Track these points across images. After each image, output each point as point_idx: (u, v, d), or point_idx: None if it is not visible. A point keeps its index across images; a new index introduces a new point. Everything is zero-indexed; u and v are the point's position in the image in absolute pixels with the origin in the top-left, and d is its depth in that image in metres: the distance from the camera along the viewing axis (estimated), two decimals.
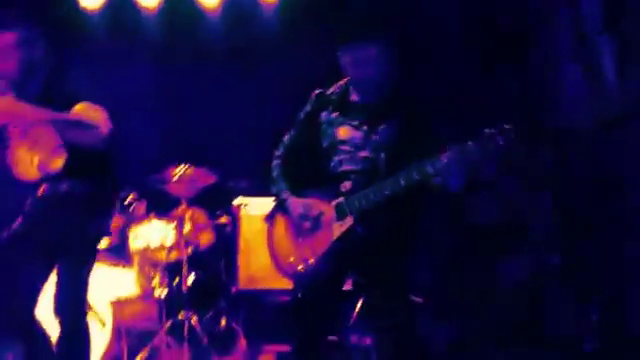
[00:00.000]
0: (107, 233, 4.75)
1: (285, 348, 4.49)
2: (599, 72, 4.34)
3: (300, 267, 2.99)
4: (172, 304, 4.80)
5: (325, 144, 3.06)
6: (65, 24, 5.70)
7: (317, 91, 3.17)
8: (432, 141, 2.89)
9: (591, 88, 4.42)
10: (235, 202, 5.03)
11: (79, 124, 3.13)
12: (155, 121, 5.86)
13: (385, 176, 2.90)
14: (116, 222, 4.95)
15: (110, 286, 4.64)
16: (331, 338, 4.17)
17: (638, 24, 4.09)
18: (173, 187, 4.96)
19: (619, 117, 4.19)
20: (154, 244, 4.86)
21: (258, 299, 4.94)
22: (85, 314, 3.34)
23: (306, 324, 3.02)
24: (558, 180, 4.69)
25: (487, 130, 2.74)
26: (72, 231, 3.24)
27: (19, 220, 3.29)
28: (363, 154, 3.00)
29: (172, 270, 4.95)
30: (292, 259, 3.02)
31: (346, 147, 3.02)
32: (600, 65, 4.35)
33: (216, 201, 5.31)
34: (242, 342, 4.72)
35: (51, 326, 3.24)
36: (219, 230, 5.24)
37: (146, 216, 4.98)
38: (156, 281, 4.86)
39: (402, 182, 2.82)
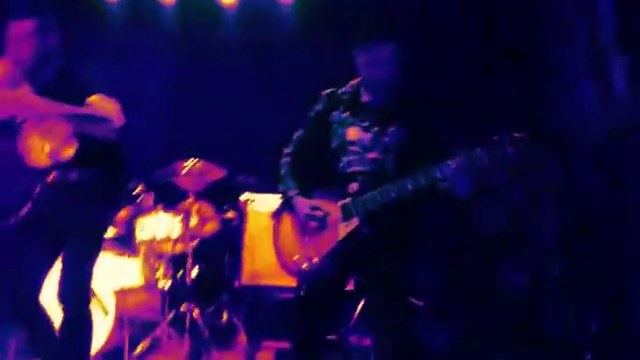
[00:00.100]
0: (114, 223, 4.81)
1: (285, 345, 4.51)
2: (610, 86, 4.34)
3: (304, 265, 3.00)
4: (175, 296, 4.83)
5: (335, 144, 3.06)
6: (83, 14, 5.73)
7: (328, 90, 3.17)
8: (441, 146, 2.91)
9: (601, 101, 4.42)
10: (242, 197, 5.04)
11: (91, 118, 3.16)
12: (166, 114, 5.88)
13: (393, 178, 2.91)
14: (124, 213, 4.98)
15: (115, 275, 4.67)
16: (331, 337, 4.19)
17: None
18: (182, 180, 5.00)
19: (628, 129, 4.19)
20: (160, 236, 4.89)
21: (260, 295, 4.95)
22: (88, 302, 3.36)
23: (307, 322, 3.04)
24: (564, 190, 4.68)
25: (497, 137, 2.75)
26: (79, 219, 3.27)
27: (27, 206, 3.32)
28: (372, 155, 3.01)
29: (177, 262, 4.98)
30: (297, 257, 3.04)
31: (355, 148, 3.02)
32: (611, 79, 4.35)
33: (224, 196, 5.33)
34: (242, 337, 4.74)
35: (55, 312, 3.27)
36: (225, 225, 5.26)
37: (153, 208, 5.01)
38: (160, 272, 4.89)
39: (409, 186, 2.84)
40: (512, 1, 5.22)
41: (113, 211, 3.61)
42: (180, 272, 4.92)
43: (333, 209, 2.99)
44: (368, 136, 3.02)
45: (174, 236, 4.90)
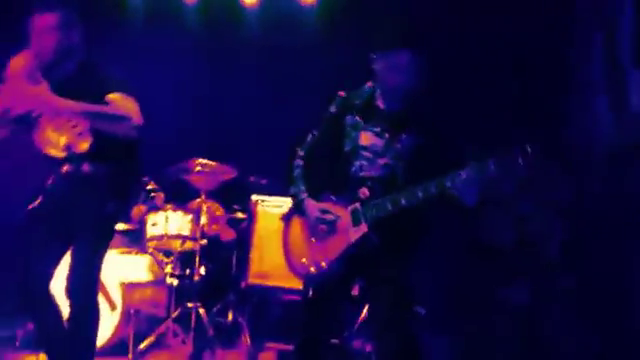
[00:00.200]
0: (125, 218, 4.85)
1: (287, 347, 4.53)
2: (625, 102, 4.34)
3: (312, 269, 3.02)
4: (182, 293, 4.86)
5: (347, 148, 3.07)
6: (106, 10, 5.77)
7: (343, 93, 3.18)
8: (452, 155, 2.92)
9: (616, 117, 4.41)
10: (252, 198, 5.07)
11: (110, 116, 3.19)
12: (182, 112, 5.91)
13: (403, 185, 2.92)
14: (135, 209, 5.02)
15: (123, 270, 4.71)
16: (334, 341, 4.20)
17: None
18: (194, 178, 5.03)
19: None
20: (170, 233, 4.91)
21: (266, 296, 4.97)
22: (96, 295, 3.38)
23: (312, 324, 3.06)
24: (574, 205, 4.68)
25: (508, 150, 2.76)
26: (90, 212, 3.29)
27: (40, 198, 3.36)
28: (383, 161, 3.02)
29: (185, 260, 5.02)
30: (305, 260, 3.05)
31: (367, 153, 3.03)
32: (627, 95, 4.34)
33: (234, 196, 5.36)
34: (246, 337, 4.76)
35: (63, 304, 3.30)
36: (235, 224, 5.29)
37: (165, 205, 5.03)
38: (168, 269, 4.92)
39: (419, 194, 2.85)
40: (529, 15, 5.22)
41: (125, 206, 3.63)
42: (188, 270, 4.95)
43: (343, 213, 3.00)
44: (380, 141, 3.03)
45: (184, 234, 4.93)
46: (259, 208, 4.99)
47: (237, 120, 5.92)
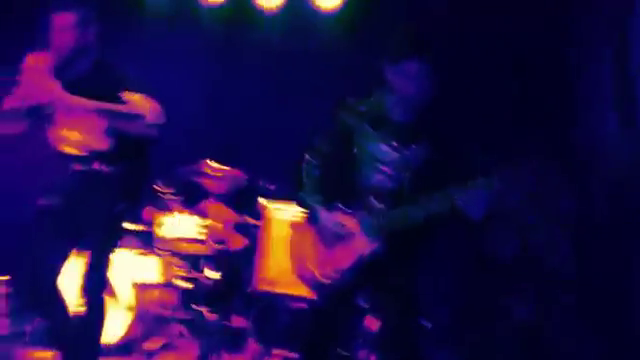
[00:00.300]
0: (135, 218, 4.86)
1: (293, 355, 4.53)
2: (634, 115, 4.30)
3: (322, 278, 3.01)
4: (190, 295, 4.87)
5: (357, 157, 3.06)
6: (125, 9, 5.80)
7: (354, 102, 3.17)
8: (461, 168, 2.92)
9: (624, 130, 4.37)
10: (262, 203, 5.07)
11: (124, 115, 3.20)
12: (195, 114, 5.91)
13: (411, 196, 2.92)
14: (146, 209, 5.03)
15: (133, 270, 4.72)
16: (339, 351, 4.18)
17: None
18: (206, 181, 5.04)
19: None
20: (180, 235, 4.93)
21: (274, 302, 4.95)
22: (103, 294, 3.41)
23: (319, 333, 3.05)
24: (580, 219, 4.65)
25: (516, 164, 2.75)
26: (101, 211, 3.32)
27: (52, 195, 3.38)
28: (392, 171, 3.01)
29: (194, 263, 5.02)
30: (314, 269, 3.04)
31: (376, 162, 3.03)
32: (636, 109, 4.31)
33: (245, 200, 5.35)
34: (252, 343, 4.75)
35: (71, 301, 3.33)
36: (244, 229, 5.29)
37: (175, 207, 5.05)
38: (178, 271, 4.93)
39: (429, 207, 2.84)
40: (540, 28, 5.20)
41: (135, 207, 3.65)
42: (197, 273, 4.96)
43: (354, 224, 2.99)
44: (390, 151, 3.03)
45: (193, 236, 4.94)
46: (268, 213, 4.99)
47: (248, 123, 5.93)
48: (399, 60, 2.98)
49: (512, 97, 5.24)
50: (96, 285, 3.36)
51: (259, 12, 6.08)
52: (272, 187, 5.20)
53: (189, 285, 4.90)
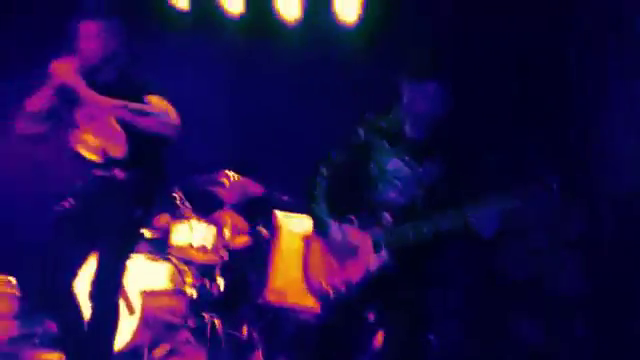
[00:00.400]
0: (150, 225, 4.90)
1: None
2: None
3: (331, 292, 3.03)
4: (200, 304, 4.88)
5: (371, 172, 3.09)
6: (150, 19, 5.86)
7: (371, 117, 3.20)
8: (473, 187, 2.94)
9: (636, 152, 4.37)
10: (276, 214, 5.09)
11: (146, 113, 3.27)
12: (214, 123, 5.96)
13: (424, 212, 2.95)
14: (161, 217, 5.08)
15: (144, 277, 4.74)
16: None
17: None
18: (221, 191, 5.08)
19: None
20: (192, 243, 4.95)
21: (282, 314, 4.97)
22: (117, 299, 3.44)
23: (326, 347, 3.07)
24: (591, 243, 4.64)
25: (530, 184, 2.77)
26: (118, 217, 3.36)
27: (69, 200, 3.42)
28: (406, 188, 3.04)
29: (205, 271, 5.05)
30: (324, 282, 3.06)
31: (390, 178, 3.06)
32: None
33: (259, 211, 5.38)
34: (259, 353, 4.77)
35: (85, 305, 3.36)
36: (257, 239, 5.32)
37: (189, 215, 5.08)
38: (188, 279, 4.96)
39: (440, 225, 2.87)
40: (553, 50, 5.19)
41: (149, 211, 3.69)
42: (207, 281, 4.99)
43: (364, 239, 3.02)
44: (405, 168, 3.06)
45: (206, 245, 4.97)
46: (281, 225, 5.01)
47: (266, 134, 5.95)
48: (418, 79, 3.02)
49: (523, 118, 5.25)
50: (111, 290, 3.39)
51: (279, 24, 6.12)
52: (285, 198, 5.24)
53: (199, 293, 4.93)
